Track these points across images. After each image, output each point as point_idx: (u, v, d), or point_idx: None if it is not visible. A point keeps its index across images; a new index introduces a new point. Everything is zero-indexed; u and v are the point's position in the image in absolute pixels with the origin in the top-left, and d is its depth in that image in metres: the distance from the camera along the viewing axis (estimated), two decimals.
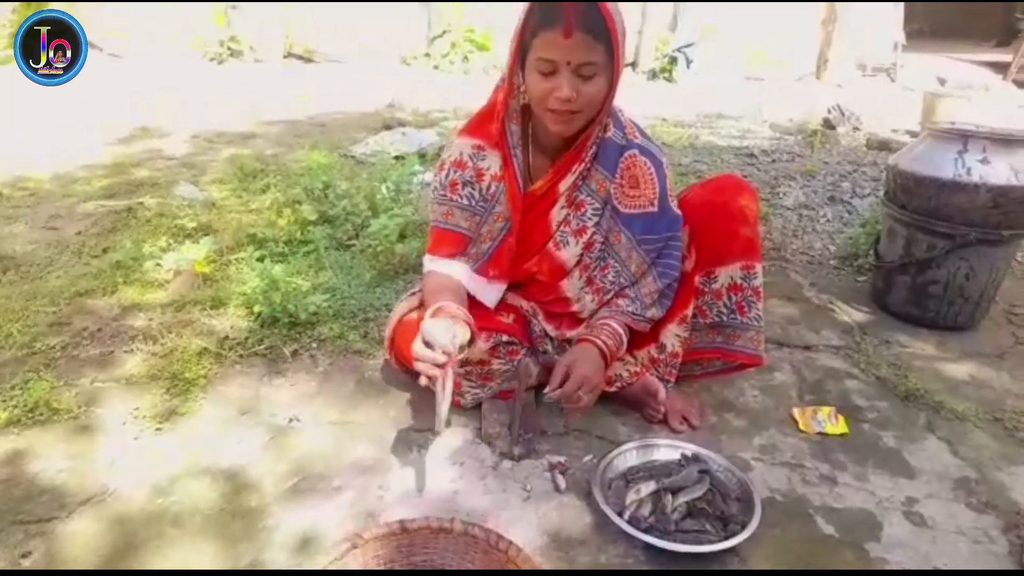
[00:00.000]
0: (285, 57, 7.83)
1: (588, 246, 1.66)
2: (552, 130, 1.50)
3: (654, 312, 1.67)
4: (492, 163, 1.59)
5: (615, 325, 1.62)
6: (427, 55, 7.83)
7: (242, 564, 1.29)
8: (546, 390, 1.53)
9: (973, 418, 1.81)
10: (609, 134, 1.58)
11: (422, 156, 3.89)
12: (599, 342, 1.58)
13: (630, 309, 1.66)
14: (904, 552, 1.39)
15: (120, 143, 4.44)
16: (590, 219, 1.64)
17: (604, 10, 1.37)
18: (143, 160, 4.04)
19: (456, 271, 1.62)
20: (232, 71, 7.20)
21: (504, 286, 1.69)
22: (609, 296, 1.69)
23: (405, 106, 5.67)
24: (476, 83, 6.86)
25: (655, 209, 1.62)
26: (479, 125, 1.60)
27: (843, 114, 5.27)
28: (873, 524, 1.46)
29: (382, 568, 1.22)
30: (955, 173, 2.05)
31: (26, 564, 1.28)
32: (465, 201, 1.60)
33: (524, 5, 1.42)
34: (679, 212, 1.66)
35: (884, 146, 4.41)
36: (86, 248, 2.70)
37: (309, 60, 7.90)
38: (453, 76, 7.39)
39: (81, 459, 1.54)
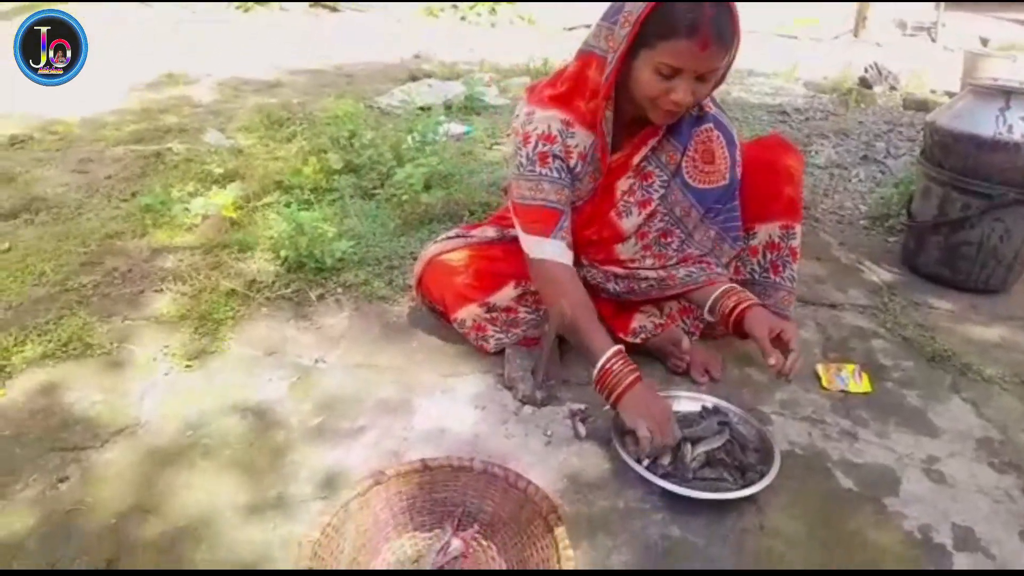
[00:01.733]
0: (311, 5, 7.74)
1: (650, 216, 1.62)
2: (656, 121, 1.45)
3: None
4: (580, 141, 1.52)
5: (735, 285, 1.60)
6: (454, 6, 7.70)
7: (269, 496, 1.33)
8: (772, 363, 1.47)
9: (1000, 380, 1.79)
10: None
11: (448, 107, 3.85)
12: (755, 299, 1.56)
13: (722, 272, 1.65)
14: (922, 507, 1.39)
15: (147, 89, 4.46)
16: (656, 191, 1.59)
17: (735, 23, 1.30)
18: (170, 106, 4.06)
19: (560, 255, 1.53)
20: (258, 19, 7.14)
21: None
22: (678, 263, 1.65)
23: (431, 57, 5.61)
24: (503, 35, 6.75)
25: (726, 182, 1.59)
26: (567, 98, 1.52)
27: (880, 73, 5.12)
28: (892, 479, 1.46)
29: (404, 503, 1.24)
30: (996, 131, 1.99)
31: (63, 488, 1.32)
32: (556, 175, 1.52)
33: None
34: (739, 180, 1.63)
35: (922, 106, 4.29)
36: (116, 191, 2.73)
37: (335, 9, 7.81)
38: (480, 28, 7.28)
39: (113, 392, 1.58)
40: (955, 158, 2.10)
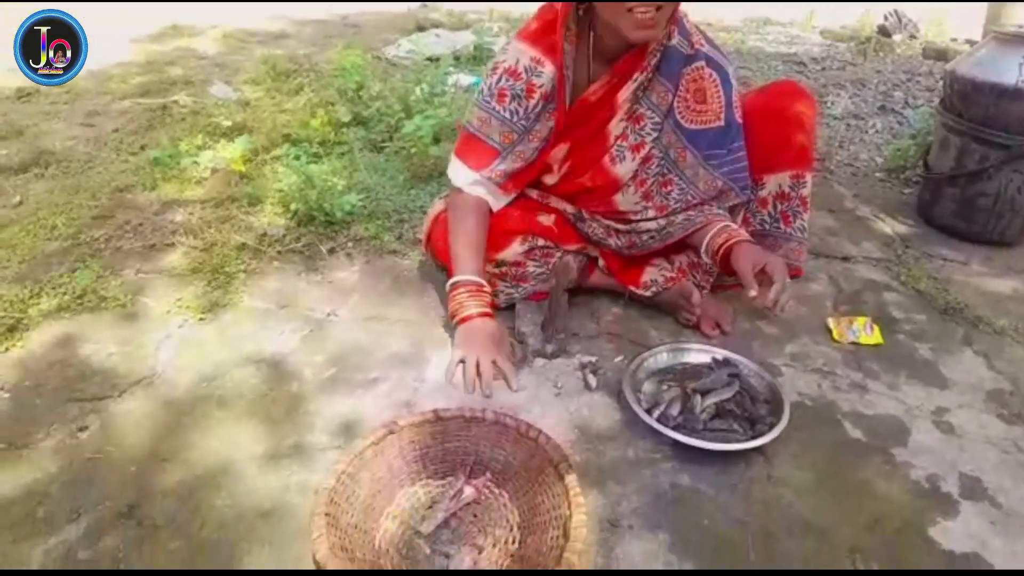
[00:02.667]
0: None
1: (645, 161, 1.60)
2: (632, 37, 1.38)
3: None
4: (546, 79, 1.49)
5: (729, 222, 1.55)
6: None
7: (285, 444, 1.35)
8: (753, 295, 1.45)
9: (1012, 333, 1.79)
10: (673, 42, 1.49)
11: (457, 58, 3.79)
12: (747, 236, 1.52)
13: (721, 212, 1.61)
14: (930, 457, 1.40)
15: (152, 41, 4.40)
16: (649, 134, 1.57)
17: None
18: (176, 58, 4.01)
19: (483, 192, 1.57)
20: None
21: (512, 196, 1.63)
22: (680, 211, 1.63)
23: (439, 6, 5.49)
24: None
25: (722, 123, 1.54)
26: (541, 33, 1.49)
27: (900, 21, 4.98)
28: (901, 430, 1.47)
29: (417, 451, 1.27)
30: (1018, 79, 1.94)
31: (83, 437, 1.35)
32: (507, 115, 1.52)
33: None
34: (741, 122, 1.59)
35: (942, 55, 4.18)
36: (124, 145, 2.72)
37: None
38: None
39: (129, 344, 1.60)
40: (975, 108, 2.05)
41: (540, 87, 1.49)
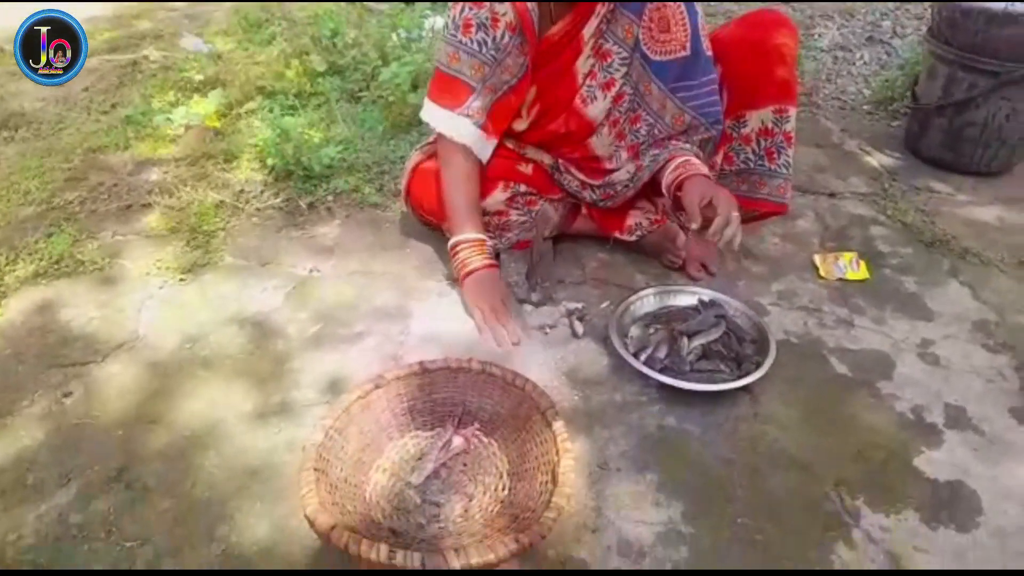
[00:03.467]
0: None
1: (617, 99, 1.56)
2: None
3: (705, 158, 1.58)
4: (509, 9, 1.44)
5: (691, 157, 1.51)
6: None
7: (272, 402, 1.35)
8: (693, 227, 1.45)
9: (998, 263, 1.79)
10: None
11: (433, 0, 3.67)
12: (704, 171, 1.50)
13: (686, 146, 1.55)
14: (915, 389, 1.41)
15: None
16: (617, 70, 1.53)
17: None
18: (144, 11, 3.86)
19: (466, 135, 1.52)
20: None
21: (495, 142, 1.59)
22: (647, 148, 1.59)
23: None
24: None
25: (687, 53, 1.48)
26: None
27: None
28: (887, 364, 1.48)
29: (405, 404, 1.27)
30: (1007, 3, 1.89)
31: (68, 403, 1.34)
32: (475, 46, 1.47)
33: None
34: (710, 53, 1.53)
35: None
36: (94, 104, 2.64)
37: None
38: None
39: (109, 308, 1.58)
40: (963, 34, 2.01)
41: (503, 16, 1.44)
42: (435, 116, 1.54)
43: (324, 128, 2.30)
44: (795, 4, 3.64)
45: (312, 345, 1.49)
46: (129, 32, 3.46)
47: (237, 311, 1.58)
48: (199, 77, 2.65)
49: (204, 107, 2.38)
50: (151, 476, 1.20)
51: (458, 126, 1.52)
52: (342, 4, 3.24)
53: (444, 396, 1.29)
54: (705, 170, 1.50)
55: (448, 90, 1.51)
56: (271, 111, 2.33)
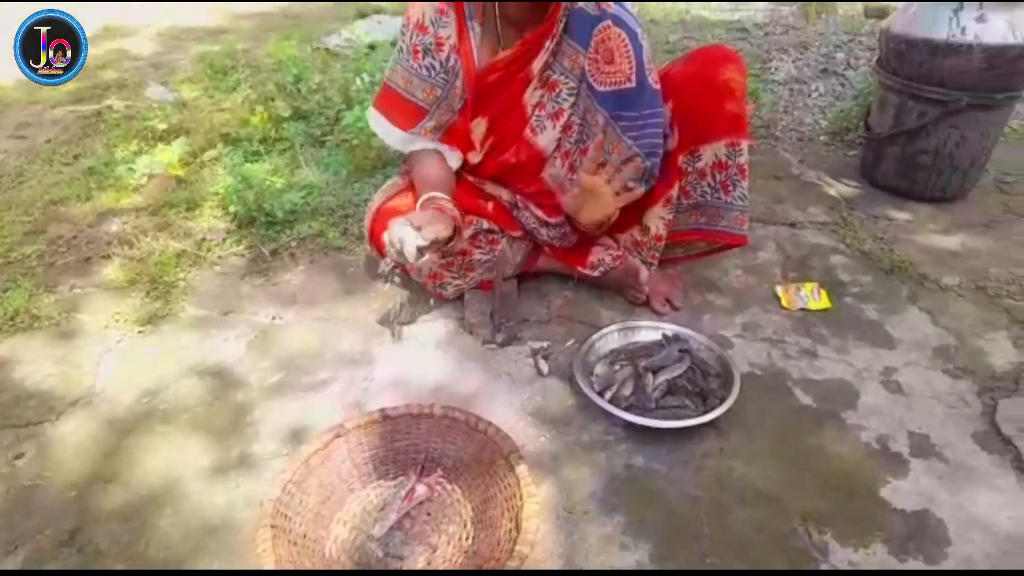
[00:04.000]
0: None
1: (566, 129, 1.58)
2: None
3: (641, 189, 1.59)
4: (452, 33, 1.50)
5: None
6: None
7: (231, 455, 1.32)
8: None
9: (956, 288, 1.81)
10: (579, 4, 1.48)
11: (395, 44, 3.71)
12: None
13: None
14: (879, 418, 1.42)
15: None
16: (565, 100, 1.56)
17: None
18: (110, 61, 3.87)
19: (429, 147, 1.60)
20: None
21: (459, 154, 1.64)
22: None
23: None
24: None
25: (632, 84, 1.51)
26: None
27: None
28: (851, 393, 1.49)
29: (366, 453, 1.24)
30: (949, 33, 1.95)
31: (20, 465, 1.30)
32: (425, 71, 1.53)
33: None
34: (658, 87, 1.57)
35: (883, 13, 4.19)
36: (57, 155, 2.62)
37: None
38: None
39: (66, 363, 1.55)
40: (910, 65, 2.07)
41: (447, 39, 1.51)
42: (389, 133, 1.60)
43: (288, 173, 2.30)
44: (753, 39, 3.74)
45: (273, 394, 1.47)
46: (94, 82, 3.45)
47: (197, 362, 1.55)
48: (163, 126, 2.65)
49: (167, 155, 2.38)
50: (104, 538, 1.17)
51: (414, 143, 1.59)
52: (308, 50, 3.27)
53: (406, 444, 1.27)
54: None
55: (402, 110, 1.57)
56: (234, 158, 2.32)
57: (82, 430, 1.39)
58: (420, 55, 1.52)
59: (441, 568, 1.10)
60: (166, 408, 1.44)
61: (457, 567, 1.10)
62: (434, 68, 1.52)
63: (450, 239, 1.41)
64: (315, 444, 1.19)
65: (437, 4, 1.49)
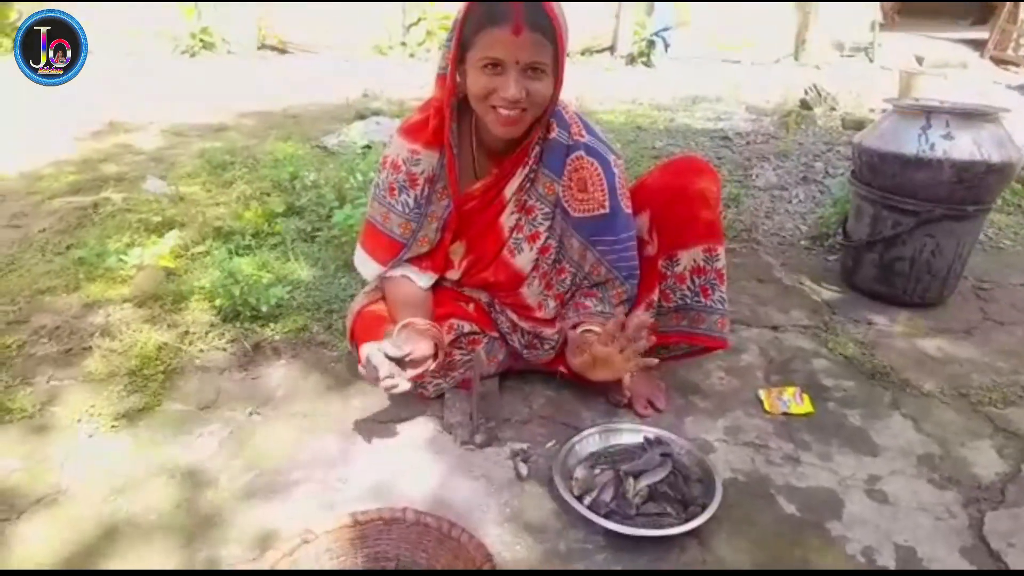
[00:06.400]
0: (259, 48, 7.74)
1: (543, 251, 1.63)
2: (496, 132, 1.45)
3: (621, 311, 1.65)
4: (426, 166, 1.55)
5: (594, 329, 1.57)
6: (403, 44, 7.76)
7: (197, 561, 1.27)
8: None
9: (938, 395, 1.81)
10: (553, 134, 1.54)
11: None
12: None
13: (599, 309, 1.64)
14: (864, 529, 1.39)
15: (91, 138, 4.37)
16: (541, 223, 1.60)
17: (549, 10, 1.34)
18: (112, 155, 3.98)
19: (399, 274, 1.65)
20: (205, 64, 7.10)
21: (433, 275, 1.68)
22: (571, 298, 1.67)
23: (380, 95, 5.61)
24: None
25: (606, 211, 1.57)
26: (416, 128, 1.55)
27: (820, 95, 5.25)
28: (835, 502, 1.46)
29: (334, 561, 1.20)
30: (918, 149, 2.04)
31: None
32: (400, 208, 1.59)
33: (462, 3, 1.38)
34: (629, 212, 1.62)
35: (860, 125, 4.39)
36: (50, 245, 2.65)
37: (283, 51, 7.80)
38: (429, 64, 7.31)
39: (33, 459, 1.51)
40: (882, 177, 2.15)
41: (422, 174, 1.56)
42: (366, 266, 1.69)
43: (278, 268, 2.32)
44: (735, 147, 3.89)
45: (244, 496, 1.43)
46: (94, 175, 3.54)
47: (168, 460, 1.52)
48: (157, 219, 2.70)
49: (159, 247, 2.40)
50: None
51: (397, 270, 1.64)
52: (306, 148, 3.37)
53: (377, 550, 1.23)
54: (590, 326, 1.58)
55: (380, 244, 1.64)
56: (223, 252, 2.35)
57: (43, 531, 1.33)
58: (396, 192, 1.58)
59: None
60: (132, 509, 1.39)
61: None
62: (407, 204, 1.58)
63: (433, 355, 1.48)
64: (281, 550, 1.15)
65: (410, 146, 1.55)
